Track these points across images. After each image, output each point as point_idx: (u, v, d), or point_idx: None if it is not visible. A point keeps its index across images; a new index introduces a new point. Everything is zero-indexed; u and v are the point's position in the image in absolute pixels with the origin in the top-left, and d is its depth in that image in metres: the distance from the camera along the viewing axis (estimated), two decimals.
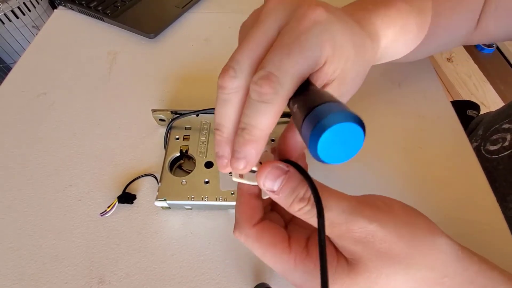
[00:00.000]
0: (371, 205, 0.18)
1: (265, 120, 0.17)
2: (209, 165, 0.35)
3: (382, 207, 0.19)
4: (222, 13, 0.59)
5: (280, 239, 0.20)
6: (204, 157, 0.36)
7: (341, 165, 0.38)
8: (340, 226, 0.17)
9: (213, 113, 0.38)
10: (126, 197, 0.35)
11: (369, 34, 0.26)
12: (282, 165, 0.19)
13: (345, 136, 0.15)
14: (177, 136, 0.37)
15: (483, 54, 1.76)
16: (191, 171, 0.35)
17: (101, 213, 0.34)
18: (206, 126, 0.38)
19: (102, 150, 0.40)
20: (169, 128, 0.38)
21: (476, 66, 1.68)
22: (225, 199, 0.33)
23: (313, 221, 0.18)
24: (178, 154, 0.36)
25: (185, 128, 0.38)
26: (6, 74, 0.48)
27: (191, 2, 0.58)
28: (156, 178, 0.37)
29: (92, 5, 0.56)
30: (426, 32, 0.34)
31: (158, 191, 0.33)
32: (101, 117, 0.43)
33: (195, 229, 0.34)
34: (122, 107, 0.44)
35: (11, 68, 0.50)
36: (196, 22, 0.57)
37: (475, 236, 0.34)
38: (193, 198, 0.33)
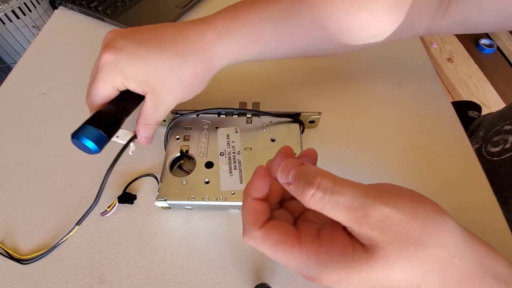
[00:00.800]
0: (381, 190, 0.18)
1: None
2: (209, 165, 0.35)
3: (392, 191, 0.19)
4: None
5: (288, 235, 0.19)
6: (205, 157, 0.36)
7: (341, 165, 0.38)
8: (357, 211, 0.17)
9: (214, 113, 0.40)
10: (127, 197, 0.35)
11: (194, 47, 0.30)
12: (298, 160, 0.20)
13: (82, 142, 0.27)
14: (177, 136, 0.37)
15: (483, 54, 1.76)
16: (191, 171, 0.35)
17: (101, 213, 0.34)
18: (206, 126, 0.38)
19: (103, 150, 0.40)
20: (169, 128, 0.38)
21: (476, 66, 1.68)
22: (225, 199, 0.32)
23: (328, 211, 0.18)
24: (179, 154, 0.36)
25: (185, 128, 0.38)
26: (6, 74, 0.48)
27: (192, 2, 0.58)
28: (156, 178, 0.37)
29: (92, 5, 0.56)
30: (310, 35, 0.33)
31: (158, 191, 0.33)
32: None
33: (195, 229, 0.34)
34: None
35: (12, 68, 0.50)
36: None
37: None
38: (193, 198, 0.33)
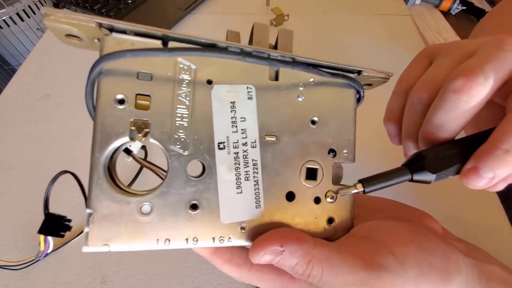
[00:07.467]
0: (372, 249, 0.18)
1: None
2: (196, 170, 0.18)
3: (381, 240, 0.19)
4: (225, 15, 0.59)
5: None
6: (186, 151, 0.18)
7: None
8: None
9: (203, 52, 0.17)
10: None
11: None
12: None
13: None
14: (119, 96, 0.17)
15: None
16: (162, 178, 0.18)
17: None
18: (186, 78, 0.18)
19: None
20: (100, 74, 0.17)
21: None
22: (229, 240, 0.18)
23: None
24: (127, 139, 0.17)
25: (139, 78, 0.17)
26: (11, 76, 0.48)
27: (194, 3, 0.59)
28: (83, 190, 0.17)
29: (95, 7, 0.56)
30: None
31: (88, 224, 0.17)
32: None
33: None
34: None
35: (16, 70, 0.51)
36: (199, 24, 0.57)
37: (478, 238, 0.33)
38: (168, 240, 0.18)
